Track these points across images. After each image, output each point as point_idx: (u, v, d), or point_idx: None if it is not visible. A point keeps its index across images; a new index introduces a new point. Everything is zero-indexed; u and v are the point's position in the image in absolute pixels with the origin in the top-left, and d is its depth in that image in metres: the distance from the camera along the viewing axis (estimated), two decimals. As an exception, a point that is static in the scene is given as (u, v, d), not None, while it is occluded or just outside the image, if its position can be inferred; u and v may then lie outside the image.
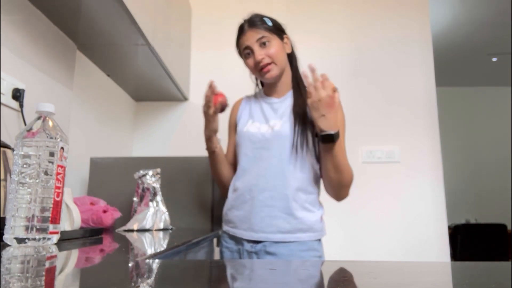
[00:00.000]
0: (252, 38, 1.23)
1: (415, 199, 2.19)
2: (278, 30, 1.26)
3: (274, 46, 1.23)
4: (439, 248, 2.12)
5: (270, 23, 1.25)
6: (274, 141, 1.22)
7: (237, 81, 2.30)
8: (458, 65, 5.12)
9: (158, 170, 1.40)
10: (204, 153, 1.71)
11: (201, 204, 1.57)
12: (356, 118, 2.28)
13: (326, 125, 1.11)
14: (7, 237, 0.68)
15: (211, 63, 2.38)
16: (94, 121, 1.82)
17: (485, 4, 3.68)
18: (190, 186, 1.58)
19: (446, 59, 4.87)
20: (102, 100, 1.90)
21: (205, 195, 1.57)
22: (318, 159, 1.25)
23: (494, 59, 4.91)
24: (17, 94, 1.19)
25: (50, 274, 0.45)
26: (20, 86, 1.22)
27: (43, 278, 0.42)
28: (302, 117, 1.21)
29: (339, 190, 1.21)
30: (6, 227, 0.69)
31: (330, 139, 1.12)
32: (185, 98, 2.32)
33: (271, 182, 1.20)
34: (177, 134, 2.32)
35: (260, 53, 1.22)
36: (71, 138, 1.61)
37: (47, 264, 0.51)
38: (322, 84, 1.10)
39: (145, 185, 1.36)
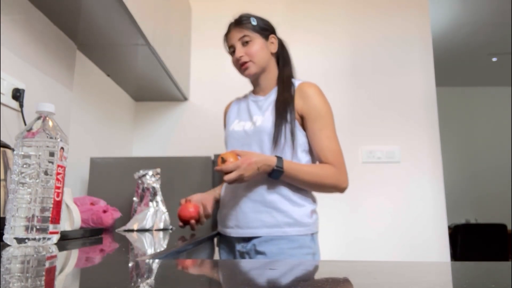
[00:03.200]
0: (235, 36, 1.29)
1: (415, 199, 2.19)
2: (263, 29, 1.30)
3: (255, 45, 1.27)
4: (439, 248, 2.12)
5: (254, 23, 1.28)
6: (255, 136, 1.24)
7: (237, 81, 2.30)
8: (458, 65, 5.12)
9: (158, 170, 1.40)
10: (204, 153, 1.72)
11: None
12: (356, 119, 2.28)
13: (263, 173, 1.16)
14: (7, 237, 0.68)
15: (211, 63, 2.38)
16: (94, 121, 1.82)
17: (485, 4, 3.68)
18: (190, 186, 1.58)
19: (446, 59, 4.87)
20: (102, 100, 1.90)
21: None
22: (306, 151, 1.26)
23: (494, 59, 4.91)
24: (17, 94, 1.19)
25: (50, 274, 0.45)
26: (20, 86, 1.22)
27: (43, 278, 0.42)
28: (283, 111, 1.23)
29: (329, 191, 1.22)
30: (6, 227, 0.69)
31: (275, 176, 1.16)
32: (185, 98, 2.32)
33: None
34: (177, 134, 2.32)
35: (240, 51, 1.28)
36: (71, 138, 1.61)
37: (47, 264, 0.51)
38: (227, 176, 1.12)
39: (145, 185, 1.36)
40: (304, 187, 1.22)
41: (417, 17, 2.39)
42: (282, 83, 1.29)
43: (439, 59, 4.71)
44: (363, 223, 2.17)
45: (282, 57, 1.35)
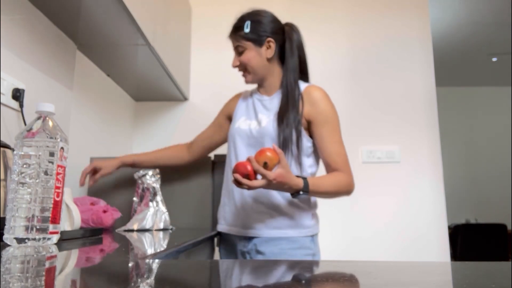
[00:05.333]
0: (232, 43, 1.30)
1: (415, 199, 2.19)
2: (257, 35, 1.24)
3: (247, 55, 1.26)
4: (439, 248, 2.12)
5: (247, 29, 1.24)
6: (260, 139, 1.23)
7: (237, 81, 2.31)
8: (458, 65, 5.12)
9: (158, 170, 1.40)
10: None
11: (201, 204, 1.57)
12: (356, 118, 2.28)
13: (287, 191, 1.11)
14: (7, 237, 0.68)
15: (211, 63, 2.38)
16: (94, 121, 1.82)
17: (485, 4, 3.68)
18: (190, 186, 1.58)
19: (446, 59, 4.87)
20: (102, 100, 1.90)
21: (205, 195, 1.57)
22: (308, 155, 1.25)
23: (494, 59, 4.91)
24: (17, 94, 1.19)
25: (50, 274, 0.45)
26: (20, 86, 1.22)
27: (43, 278, 0.42)
28: (286, 119, 1.20)
29: (342, 196, 1.21)
30: (6, 227, 0.69)
31: (299, 197, 1.13)
32: (185, 98, 2.32)
33: None
34: (177, 134, 2.32)
35: (235, 61, 1.29)
36: (71, 138, 1.61)
37: (47, 264, 0.51)
38: (247, 185, 1.05)
39: (145, 185, 1.36)
40: (322, 198, 1.22)
41: (417, 17, 2.39)
42: (286, 88, 1.24)
43: (439, 59, 4.71)
44: (363, 223, 2.17)
45: (288, 57, 1.27)
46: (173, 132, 2.33)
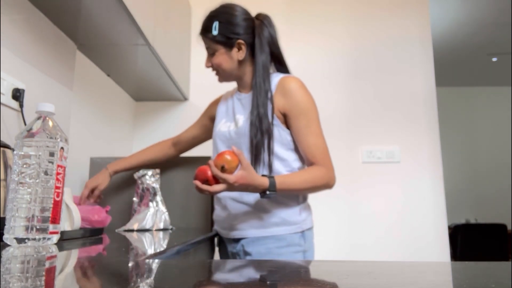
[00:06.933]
0: (204, 43, 1.26)
1: (415, 199, 2.19)
2: (226, 38, 1.20)
3: (218, 58, 1.23)
4: (439, 248, 2.12)
5: (215, 32, 1.19)
6: (237, 140, 1.22)
7: (237, 81, 2.31)
8: (458, 65, 5.12)
9: (158, 170, 1.40)
10: (204, 153, 1.72)
11: (201, 204, 1.57)
12: (356, 118, 2.28)
13: (253, 192, 1.10)
14: (7, 237, 0.68)
15: (211, 63, 2.38)
16: (94, 121, 1.82)
17: (485, 4, 3.69)
18: (190, 186, 1.58)
19: (446, 59, 4.87)
20: (102, 100, 1.90)
21: (205, 195, 1.57)
22: (292, 149, 1.22)
23: (494, 59, 4.91)
24: (17, 94, 1.19)
25: (50, 274, 0.45)
26: (20, 86, 1.22)
27: (43, 278, 0.42)
28: (256, 121, 1.17)
29: (322, 190, 1.18)
30: (6, 227, 0.69)
31: (267, 197, 1.11)
32: (185, 98, 2.32)
33: None
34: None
35: (207, 61, 1.27)
36: (71, 138, 1.61)
37: (47, 264, 0.51)
38: (208, 191, 1.05)
39: (145, 185, 1.36)
40: (298, 194, 1.21)
41: (417, 17, 2.39)
42: (256, 89, 1.20)
43: (439, 59, 4.71)
44: (363, 223, 2.17)
45: (257, 55, 1.21)
46: (173, 132, 2.32)
